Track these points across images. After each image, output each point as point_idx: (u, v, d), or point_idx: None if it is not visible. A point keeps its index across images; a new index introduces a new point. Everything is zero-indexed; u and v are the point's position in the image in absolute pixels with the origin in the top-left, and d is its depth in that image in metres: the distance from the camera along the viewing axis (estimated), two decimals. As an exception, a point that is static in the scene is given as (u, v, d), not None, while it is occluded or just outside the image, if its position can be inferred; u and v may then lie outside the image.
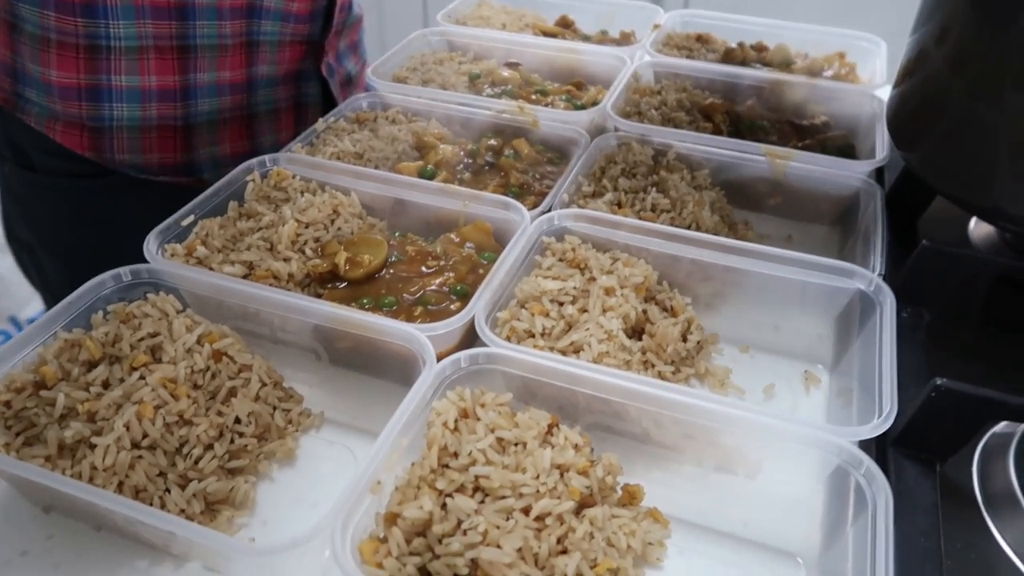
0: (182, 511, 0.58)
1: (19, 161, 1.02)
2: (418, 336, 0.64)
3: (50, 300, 1.18)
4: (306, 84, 1.11)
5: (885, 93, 1.00)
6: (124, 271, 0.71)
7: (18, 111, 0.97)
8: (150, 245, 0.74)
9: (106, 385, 0.62)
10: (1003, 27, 0.69)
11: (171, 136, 1.00)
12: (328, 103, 1.14)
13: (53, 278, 1.13)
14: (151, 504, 0.57)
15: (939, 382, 0.59)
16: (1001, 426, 0.67)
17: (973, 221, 0.92)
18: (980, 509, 0.61)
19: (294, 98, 1.11)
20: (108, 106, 0.94)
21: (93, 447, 0.57)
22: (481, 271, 0.76)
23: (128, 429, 0.58)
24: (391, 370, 0.69)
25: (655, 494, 0.61)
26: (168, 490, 0.58)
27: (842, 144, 0.99)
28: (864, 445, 0.59)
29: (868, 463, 0.55)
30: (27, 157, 1.01)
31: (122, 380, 0.62)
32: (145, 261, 0.72)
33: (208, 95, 1.00)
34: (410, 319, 0.70)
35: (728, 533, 0.61)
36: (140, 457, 0.58)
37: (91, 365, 0.63)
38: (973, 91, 0.74)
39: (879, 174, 0.96)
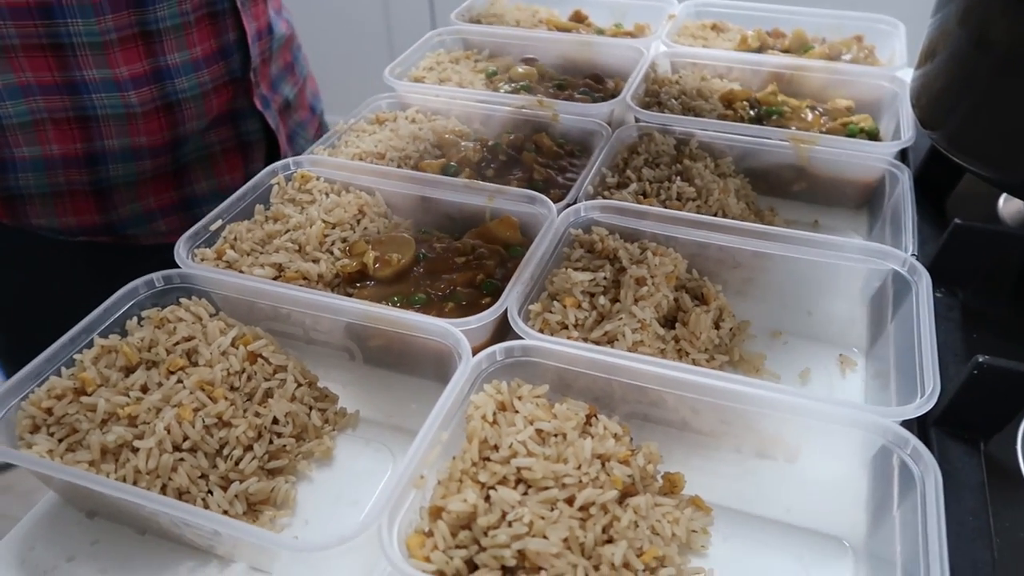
0: (225, 512, 0.58)
1: None
2: (452, 331, 0.64)
3: None
4: (244, 122, 1.07)
5: (906, 75, 0.99)
6: (156, 277, 0.71)
7: None
8: (180, 251, 0.74)
9: (144, 389, 0.62)
10: (1026, 2, 0.69)
11: (84, 200, 0.98)
12: (272, 136, 1.10)
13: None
14: (195, 505, 0.57)
15: (981, 359, 0.59)
16: (1044, 403, 0.66)
17: (1002, 199, 0.91)
18: (1027, 487, 0.60)
19: (234, 139, 1.07)
20: (15, 176, 0.93)
21: (135, 451, 0.57)
22: (510, 265, 0.76)
23: (169, 432, 0.58)
24: (425, 367, 0.69)
25: (696, 482, 0.61)
26: (211, 492, 0.59)
27: (866, 127, 0.98)
28: (905, 427, 0.58)
29: (915, 442, 0.54)
30: None
31: (160, 384, 0.62)
32: (175, 266, 0.73)
33: (122, 160, 0.96)
34: (441, 315, 0.70)
35: (772, 519, 0.60)
36: (182, 459, 0.58)
37: (128, 370, 0.63)
38: (999, 68, 0.73)
39: (904, 156, 0.95)
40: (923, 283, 0.68)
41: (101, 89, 0.90)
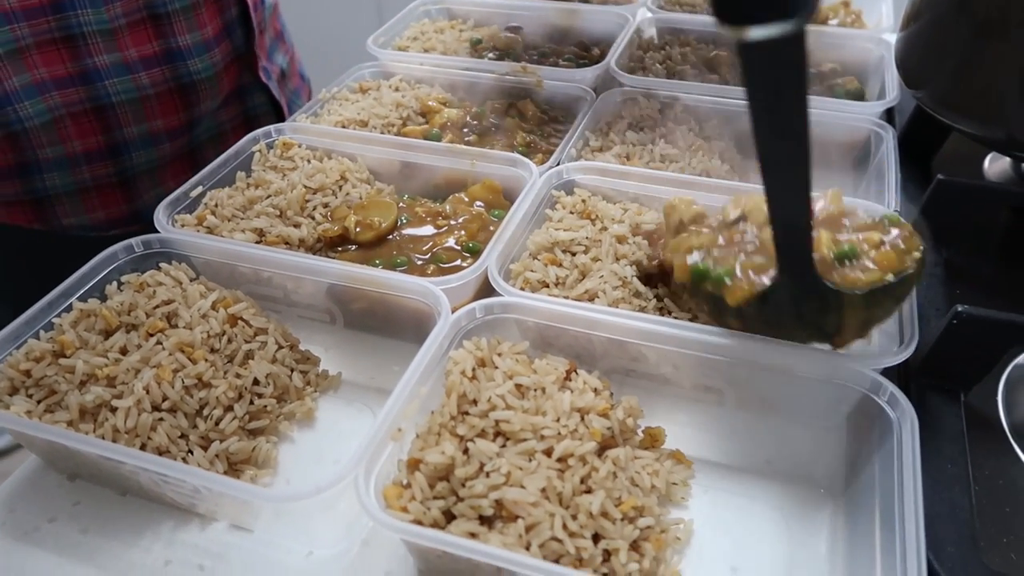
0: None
1: None
2: (432, 289, 0.64)
3: None
4: (251, 97, 1.09)
5: (892, 38, 0.98)
6: (135, 242, 0.71)
7: None
8: (160, 216, 0.74)
9: (124, 352, 0.62)
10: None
11: (111, 193, 0.99)
12: (278, 108, 1.12)
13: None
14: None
15: (960, 309, 0.58)
16: (1024, 356, 0.66)
17: (988, 159, 0.91)
18: (1007, 436, 0.60)
19: (242, 115, 1.09)
20: (40, 178, 0.94)
21: (114, 410, 0.57)
22: (492, 228, 0.76)
23: (148, 392, 0.58)
24: (407, 329, 0.69)
25: (677, 435, 0.61)
26: (191, 451, 0.59)
27: (852, 88, 0.98)
28: (887, 377, 0.58)
29: (892, 388, 0.54)
30: None
31: (139, 346, 0.62)
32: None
33: (143, 146, 0.98)
34: (424, 277, 0.69)
35: (752, 471, 0.60)
36: (161, 419, 0.58)
37: (107, 334, 0.63)
38: (981, 26, 0.73)
39: (890, 117, 0.95)
40: (903, 237, 0.67)
41: (113, 74, 0.92)
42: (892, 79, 0.93)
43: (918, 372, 0.62)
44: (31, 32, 0.86)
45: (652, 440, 0.60)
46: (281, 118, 1.12)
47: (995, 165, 0.90)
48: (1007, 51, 0.71)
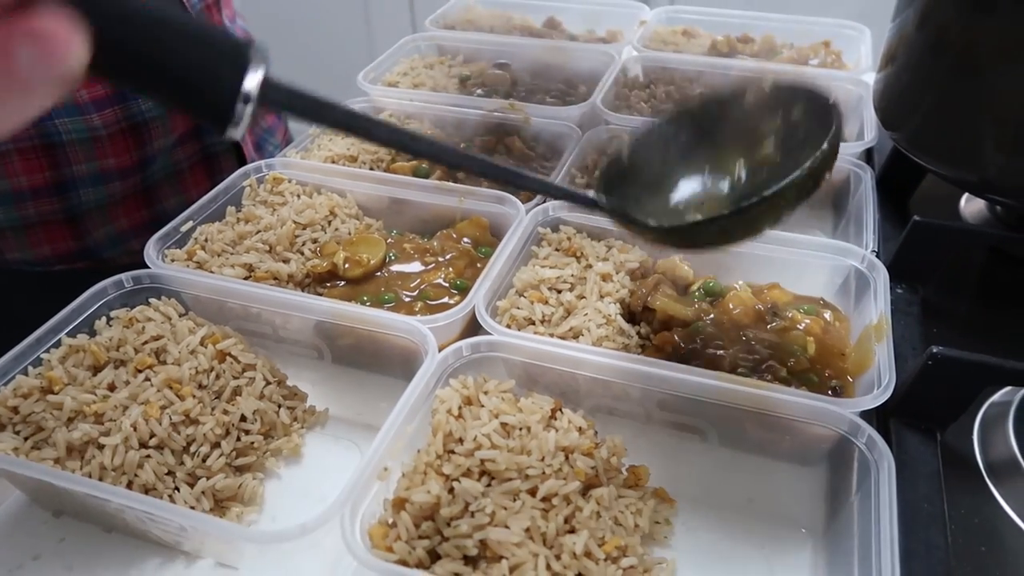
0: (191, 508, 0.58)
1: None
2: (419, 328, 0.64)
3: None
4: (209, 135, 1.07)
5: (871, 78, 1.01)
6: (125, 277, 0.71)
7: None
8: (150, 251, 0.74)
9: (112, 388, 0.62)
10: (982, 6, 0.71)
11: (58, 228, 0.97)
12: (240, 149, 1.10)
13: None
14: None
15: (935, 350, 0.60)
16: (1000, 395, 0.68)
17: (964, 198, 0.93)
18: (982, 475, 0.61)
19: (200, 153, 1.07)
20: None
21: (101, 447, 0.57)
22: (479, 265, 0.77)
23: (135, 429, 0.58)
24: (394, 365, 0.70)
25: (660, 474, 0.62)
26: (177, 488, 0.59)
27: (831, 129, 1.00)
28: (865, 418, 0.59)
29: (869, 431, 0.56)
30: None
31: (127, 382, 0.62)
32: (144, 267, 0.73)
33: (92, 184, 0.96)
34: (410, 315, 0.70)
35: (735, 509, 0.61)
36: (148, 456, 0.58)
37: (96, 369, 0.64)
38: (956, 69, 0.75)
39: (869, 157, 0.97)
40: (880, 278, 0.69)
41: (64, 114, 0.90)
42: (870, 120, 0.96)
43: (895, 411, 0.63)
44: None
45: (636, 479, 0.61)
46: (242, 156, 1.10)
47: (971, 205, 0.92)
48: (979, 94, 0.73)
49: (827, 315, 0.71)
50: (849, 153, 0.90)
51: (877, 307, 0.66)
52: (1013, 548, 0.57)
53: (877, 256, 0.74)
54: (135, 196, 1.01)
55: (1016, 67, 0.69)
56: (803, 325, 0.69)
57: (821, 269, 0.75)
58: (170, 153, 1.02)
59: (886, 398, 0.58)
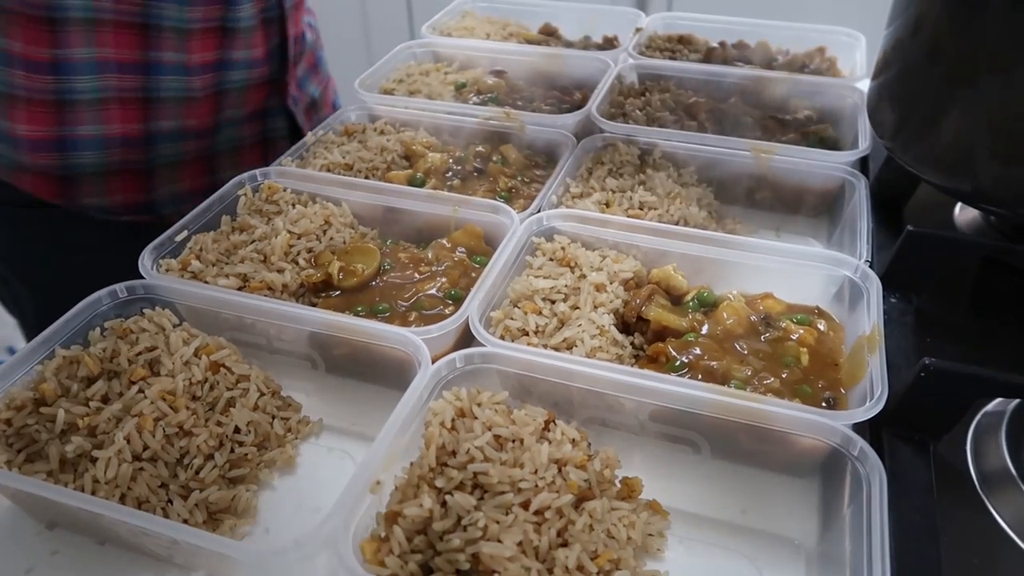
0: (185, 521, 0.58)
1: None
2: (412, 339, 0.64)
3: (27, 329, 1.19)
4: (272, 120, 1.14)
5: (866, 85, 1.01)
6: (120, 287, 0.71)
7: None
8: (145, 261, 0.74)
9: (105, 400, 0.62)
10: (975, 15, 0.71)
11: (134, 179, 1.03)
12: (297, 133, 1.16)
13: (27, 307, 1.14)
14: (154, 515, 0.57)
15: (927, 361, 0.60)
16: (992, 405, 0.68)
17: (958, 207, 0.93)
18: (975, 487, 0.61)
19: (260, 135, 1.14)
20: (75, 155, 0.97)
21: (94, 460, 0.57)
22: (473, 274, 0.77)
23: (128, 442, 0.58)
24: (388, 376, 0.70)
25: (654, 486, 0.62)
26: (170, 501, 0.59)
27: (825, 136, 1.00)
28: (858, 429, 0.59)
29: (861, 444, 0.56)
30: None
31: (121, 394, 0.62)
32: (139, 277, 0.73)
33: (172, 140, 1.03)
34: (405, 325, 0.70)
35: (727, 521, 0.61)
36: (141, 469, 0.58)
37: (90, 381, 0.64)
38: (949, 78, 0.75)
39: (864, 165, 0.97)
40: (874, 289, 0.69)
41: (171, 72, 0.97)
42: (865, 128, 0.96)
43: (888, 422, 0.63)
44: (114, 8, 0.90)
45: (629, 491, 0.61)
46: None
47: (965, 213, 0.93)
48: (973, 103, 0.73)
49: (821, 325, 0.71)
50: (843, 162, 0.90)
51: (870, 317, 0.67)
52: (1006, 560, 0.57)
53: (870, 266, 0.74)
54: (200, 160, 1.08)
55: (1010, 76, 0.69)
56: (797, 335, 0.69)
57: (815, 279, 0.75)
58: (237, 127, 1.10)
59: (878, 411, 0.58)
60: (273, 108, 1.13)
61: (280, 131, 1.16)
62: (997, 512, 0.60)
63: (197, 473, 0.61)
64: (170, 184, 1.06)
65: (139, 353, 0.65)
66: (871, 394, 0.59)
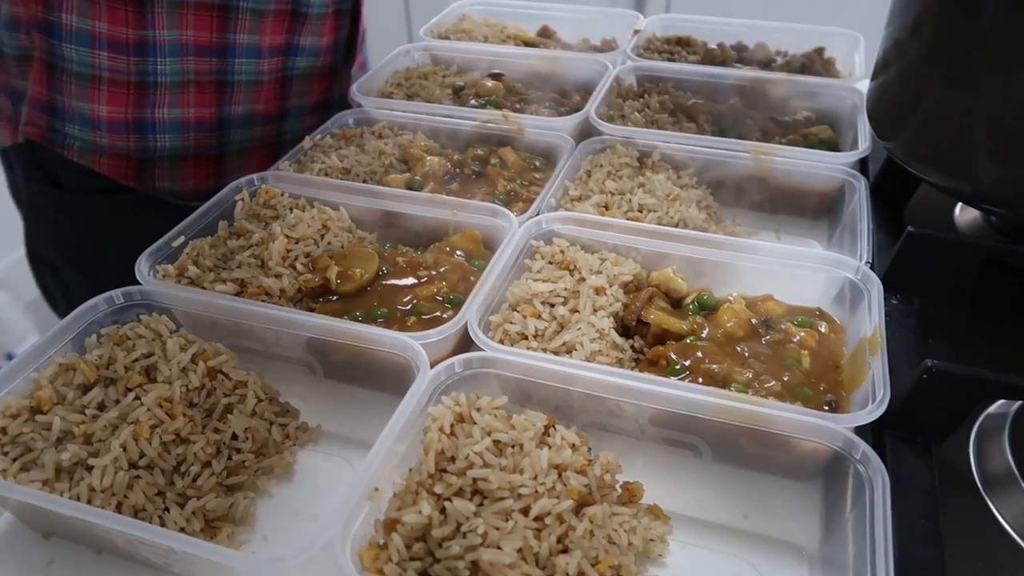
0: (182, 529, 0.58)
1: (46, 180, 1.04)
2: (411, 344, 0.64)
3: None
4: (332, 113, 1.14)
5: (865, 86, 1.01)
6: (116, 294, 0.71)
7: (56, 146, 0.99)
8: (141, 267, 0.74)
9: (101, 407, 0.62)
10: (975, 15, 0.70)
11: (205, 164, 1.06)
12: None
13: (79, 296, 1.14)
14: (151, 524, 0.57)
15: (930, 363, 0.60)
16: (995, 407, 0.67)
17: (958, 207, 0.93)
18: (979, 489, 0.61)
19: (319, 125, 1.14)
20: (152, 137, 0.99)
21: (90, 469, 0.57)
22: (472, 278, 0.76)
23: (125, 449, 0.58)
24: (387, 381, 0.69)
25: (655, 490, 0.61)
26: (167, 509, 0.58)
27: (825, 137, 1.00)
28: (861, 432, 0.59)
29: (864, 447, 0.55)
30: (54, 176, 1.04)
31: (117, 401, 0.62)
32: (137, 282, 0.73)
33: (241, 126, 1.05)
34: (403, 329, 0.70)
35: (729, 526, 0.61)
36: (138, 477, 0.58)
37: (86, 388, 0.63)
38: (949, 79, 0.75)
39: (863, 166, 0.97)
40: (875, 290, 0.69)
41: (244, 55, 1.00)
42: (864, 129, 0.95)
43: (891, 425, 0.63)
44: None
45: (630, 495, 0.60)
46: None
47: (965, 214, 0.92)
48: (974, 103, 0.73)
49: (822, 327, 0.71)
50: (843, 163, 0.90)
51: (871, 319, 0.66)
52: (1010, 563, 0.56)
53: (871, 267, 0.74)
54: (266, 148, 1.11)
55: (1009, 76, 0.68)
56: (798, 338, 0.69)
57: (815, 281, 0.75)
58: (300, 118, 1.12)
59: (880, 414, 0.58)
60: (334, 101, 1.15)
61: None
62: (1001, 514, 0.59)
63: (194, 481, 0.60)
64: (238, 171, 1.06)
65: (135, 360, 0.65)
66: (873, 396, 0.59)
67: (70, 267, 1.13)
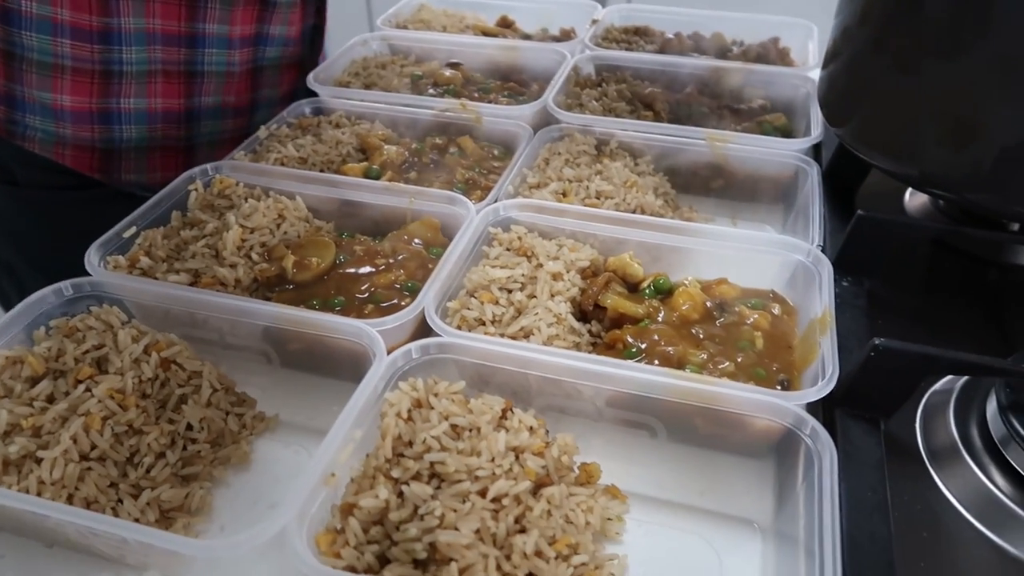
0: (136, 520, 0.57)
1: (1, 177, 1.01)
2: (367, 331, 0.64)
3: None
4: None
5: (818, 75, 1.03)
6: (65, 285, 0.70)
7: (16, 138, 0.96)
8: (91, 257, 0.73)
9: (51, 400, 0.61)
10: (918, 4, 0.72)
11: (174, 156, 1.03)
12: None
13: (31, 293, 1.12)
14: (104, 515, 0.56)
15: (877, 341, 0.61)
16: (941, 384, 0.69)
17: (908, 192, 0.95)
18: (925, 463, 0.63)
19: None
20: (118, 128, 0.96)
21: (39, 461, 0.56)
22: (431, 266, 0.76)
23: (75, 441, 0.57)
24: (344, 369, 0.69)
25: (612, 471, 0.62)
26: (120, 500, 0.58)
27: (779, 125, 1.01)
28: (812, 410, 0.60)
29: (813, 423, 0.56)
30: (9, 172, 1.00)
31: (67, 394, 0.61)
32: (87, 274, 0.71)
33: (211, 117, 1.04)
34: (361, 317, 0.70)
35: (686, 504, 0.62)
36: (89, 469, 0.57)
37: (34, 381, 0.62)
38: (895, 66, 0.77)
39: (817, 152, 0.98)
40: (825, 272, 0.70)
41: (214, 45, 0.98)
42: (817, 116, 0.97)
43: (840, 402, 0.64)
44: None
45: (587, 476, 0.61)
46: None
47: (915, 199, 0.95)
48: (918, 90, 0.75)
49: (775, 309, 0.72)
50: (796, 149, 0.92)
51: (822, 300, 0.68)
52: (953, 533, 0.58)
53: (823, 250, 0.76)
54: (236, 139, 1.06)
55: (952, 64, 0.70)
56: (751, 320, 0.70)
57: (769, 264, 0.76)
58: (271, 109, 1.10)
59: (829, 390, 0.59)
60: (300, 92, 1.13)
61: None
62: (946, 487, 0.61)
63: (148, 472, 0.59)
64: (209, 163, 1.03)
65: (86, 351, 0.64)
66: (823, 374, 0.60)
67: (28, 266, 1.10)
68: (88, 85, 0.92)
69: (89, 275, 0.71)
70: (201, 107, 1.02)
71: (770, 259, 0.76)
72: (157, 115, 0.98)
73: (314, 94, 1.08)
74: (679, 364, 0.65)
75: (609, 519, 0.59)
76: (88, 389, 0.61)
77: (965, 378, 0.67)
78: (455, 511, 0.51)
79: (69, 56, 0.90)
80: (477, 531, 0.51)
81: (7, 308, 1.18)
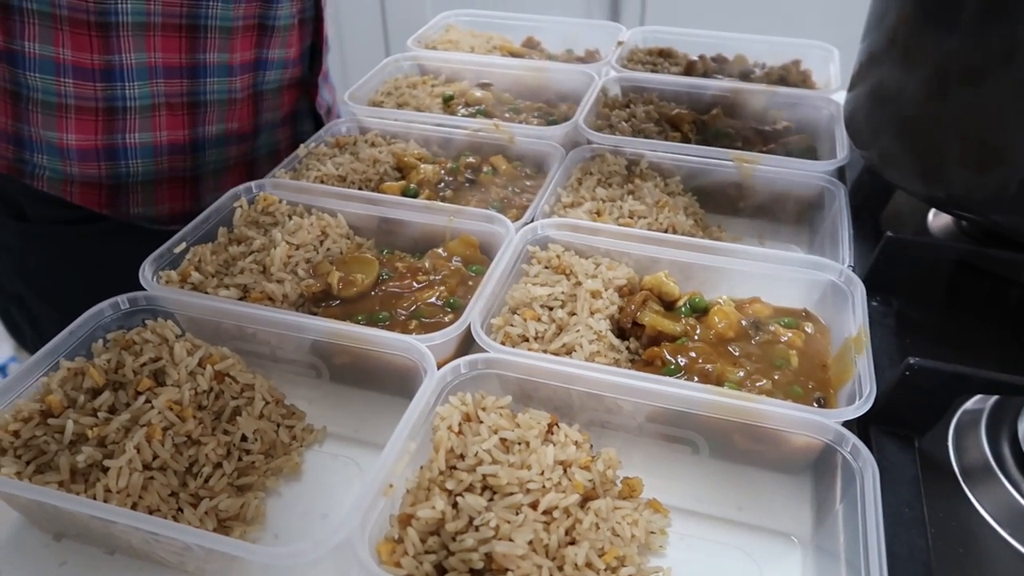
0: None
1: (10, 212, 1.02)
2: (418, 346, 0.66)
3: (34, 350, 1.17)
4: (301, 123, 1.16)
5: (841, 97, 1.05)
6: (122, 299, 0.72)
7: (25, 177, 0.97)
8: (145, 272, 0.75)
9: (112, 410, 0.63)
10: (946, 28, 0.74)
11: (181, 187, 1.04)
12: None
13: (49, 327, 1.12)
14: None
15: (912, 361, 0.63)
16: (972, 403, 0.71)
17: (932, 212, 0.97)
18: (958, 479, 0.64)
19: (292, 138, 1.16)
20: (124, 163, 0.97)
21: (106, 470, 0.58)
22: (470, 283, 0.78)
23: (139, 451, 0.59)
24: (390, 383, 0.71)
25: (653, 485, 0.64)
26: (181, 509, 0.60)
27: (804, 147, 1.04)
28: (847, 427, 0.62)
29: (854, 440, 0.58)
30: (19, 207, 1.02)
31: (128, 405, 0.63)
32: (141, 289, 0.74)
33: (216, 145, 1.04)
34: (405, 333, 0.72)
35: (725, 518, 0.63)
36: (152, 478, 0.59)
37: (95, 392, 0.64)
38: (922, 89, 0.79)
39: (841, 174, 1.01)
40: (858, 292, 0.72)
41: (215, 74, 0.99)
42: (842, 138, 0.99)
43: (875, 419, 0.66)
44: (163, 11, 0.91)
45: (630, 490, 0.63)
46: None
47: (938, 219, 0.97)
48: (945, 114, 0.77)
49: (808, 327, 0.74)
50: (822, 171, 0.94)
51: (856, 320, 0.69)
52: (988, 549, 0.60)
53: (853, 270, 0.78)
54: (242, 166, 1.10)
55: (979, 88, 0.72)
56: (785, 338, 0.72)
57: (799, 283, 0.78)
58: (274, 131, 1.12)
59: (867, 409, 0.61)
60: (302, 112, 1.16)
61: (308, 134, 1.16)
62: (979, 503, 0.62)
63: (206, 481, 0.61)
64: (215, 192, 1.04)
65: (143, 364, 0.66)
66: (860, 392, 0.62)
67: (38, 299, 1.10)
68: (93, 123, 0.93)
69: (144, 289, 0.74)
70: (205, 136, 1.03)
71: (800, 278, 0.78)
72: (163, 148, 0.99)
73: (315, 114, 1.10)
74: (717, 381, 0.67)
75: (652, 532, 0.61)
76: (148, 400, 0.63)
77: (996, 397, 0.69)
78: (509, 523, 0.53)
79: (73, 95, 0.91)
80: (530, 542, 0.53)
81: (19, 339, 1.20)
